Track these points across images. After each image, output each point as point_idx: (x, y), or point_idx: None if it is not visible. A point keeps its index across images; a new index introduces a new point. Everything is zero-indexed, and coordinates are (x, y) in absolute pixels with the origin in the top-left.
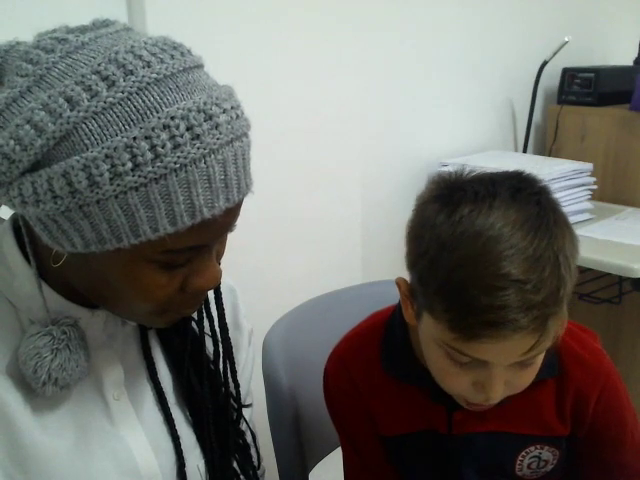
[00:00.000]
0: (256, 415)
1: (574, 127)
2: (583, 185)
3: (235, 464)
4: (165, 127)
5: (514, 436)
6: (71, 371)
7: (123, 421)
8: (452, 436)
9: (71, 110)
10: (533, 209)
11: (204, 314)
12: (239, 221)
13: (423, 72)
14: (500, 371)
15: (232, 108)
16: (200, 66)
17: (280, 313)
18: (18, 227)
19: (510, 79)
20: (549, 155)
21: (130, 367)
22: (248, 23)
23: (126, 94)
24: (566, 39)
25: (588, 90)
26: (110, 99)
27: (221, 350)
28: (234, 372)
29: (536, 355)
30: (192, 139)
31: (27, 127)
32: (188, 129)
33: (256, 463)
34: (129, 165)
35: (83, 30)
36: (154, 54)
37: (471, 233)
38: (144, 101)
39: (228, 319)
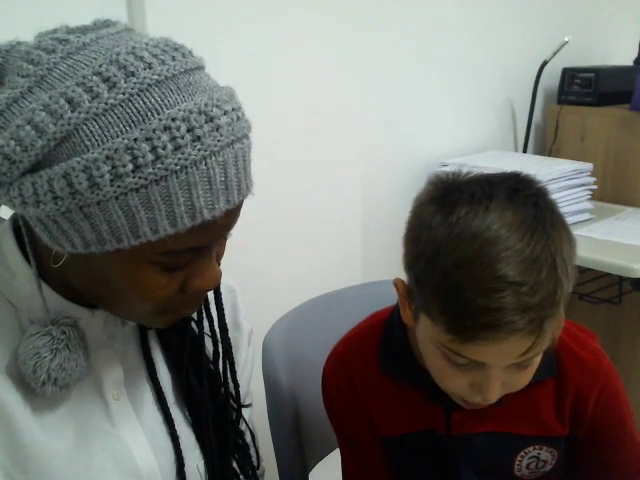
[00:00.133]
0: (256, 415)
1: (574, 127)
2: (583, 185)
3: (234, 464)
4: (166, 129)
5: (513, 436)
6: (70, 371)
7: (123, 421)
8: (451, 436)
9: (72, 111)
10: (530, 211)
11: (204, 314)
12: (239, 221)
13: (423, 72)
14: (497, 372)
15: (233, 110)
16: (201, 67)
17: (280, 313)
18: (18, 227)
19: (510, 79)
20: (549, 155)
21: (130, 367)
22: (248, 23)
23: (127, 95)
24: (566, 39)
25: (588, 90)
26: (111, 100)
27: (221, 350)
28: (234, 372)
29: (533, 357)
30: (193, 141)
31: (28, 128)
32: (189, 131)
33: (256, 463)
34: (130, 166)
35: (84, 31)
36: (155, 55)
37: (467, 235)
38: (145, 102)
39: (228, 319)
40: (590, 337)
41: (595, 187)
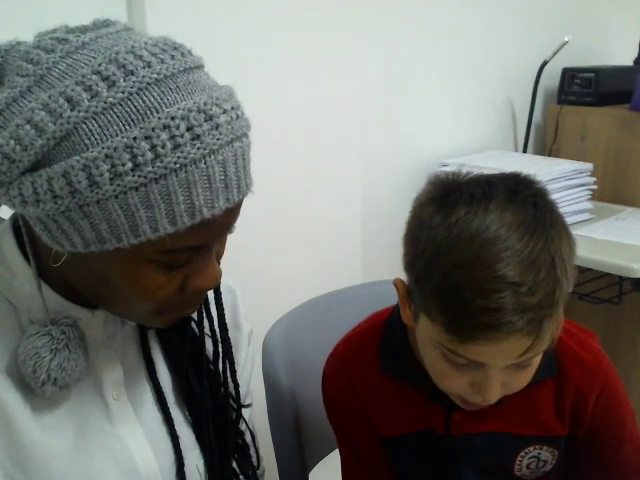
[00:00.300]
0: (256, 415)
1: (574, 127)
2: (583, 185)
3: (234, 464)
4: (165, 127)
5: (513, 436)
6: (70, 371)
7: (122, 421)
8: (451, 436)
9: (71, 110)
10: (529, 211)
11: (204, 314)
12: (239, 221)
13: (423, 72)
14: (496, 373)
15: (232, 108)
16: (200, 66)
17: (280, 313)
18: (18, 227)
19: (510, 79)
20: (549, 155)
21: (129, 367)
22: (248, 23)
23: (126, 94)
24: (566, 39)
25: (588, 90)
26: (110, 99)
27: (221, 350)
28: (233, 372)
29: (532, 357)
30: (192, 139)
31: (27, 127)
32: (188, 129)
33: (256, 463)
34: (129, 165)
35: (83, 30)
36: (154, 54)
37: (466, 235)
38: (144, 101)
39: (228, 319)
40: (590, 337)
41: (595, 187)
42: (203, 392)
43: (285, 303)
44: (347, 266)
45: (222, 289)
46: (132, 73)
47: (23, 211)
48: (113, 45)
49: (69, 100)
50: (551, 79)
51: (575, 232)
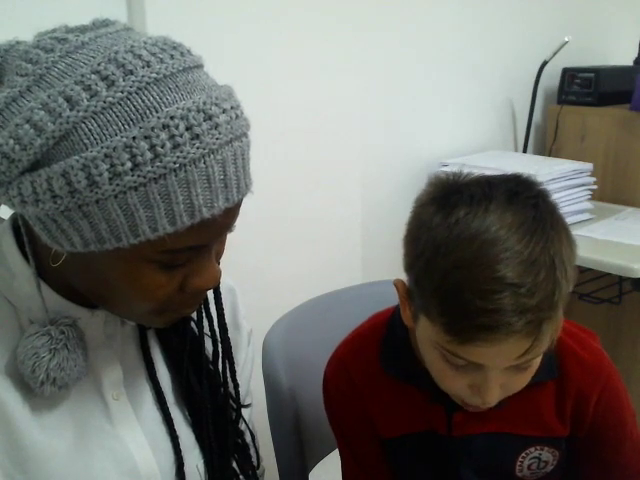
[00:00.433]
0: (256, 415)
1: (574, 127)
2: (583, 185)
3: (234, 464)
4: (164, 127)
5: (514, 437)
6: (69, 371)
7: (122, 421)
8: (452, 437)
9: (71, 110)
10: (530, 212)
11: (203, 314)
12: (239, 221)
13: (423, 72)
14: (495, 374)
15: (232, 108)
16: (200, 66)
17: (280, 313)
18: (18, 227)
19: (510, 79)
20: (549, 155)
21: (129, 367)
22: (248, 23)
23: (125, 94)
24: (566, 39)
25: (588, 90)
26: (110, 99)
27: (220, 350)
28: (233, 372)
29: (531, 359)
30: (191, 139)
31: (27, 126)
32: (187, 129)
33: (255, 463)
34: (128, 165)
35: (83, 30)
36: (154, 54)
37: (466, 236)
38: (143, 101)
39: (227, 319)
40: (591, 337)
41: (595, 187)
42: (203, 392)
43: (285, 303)
44: (347, 266)
45: (222, 289)
46: (131, 73)
47: (22, 211)
48: (112, 45)
49: (68, 100)
50: (551, 79)
51: (575, 232)
